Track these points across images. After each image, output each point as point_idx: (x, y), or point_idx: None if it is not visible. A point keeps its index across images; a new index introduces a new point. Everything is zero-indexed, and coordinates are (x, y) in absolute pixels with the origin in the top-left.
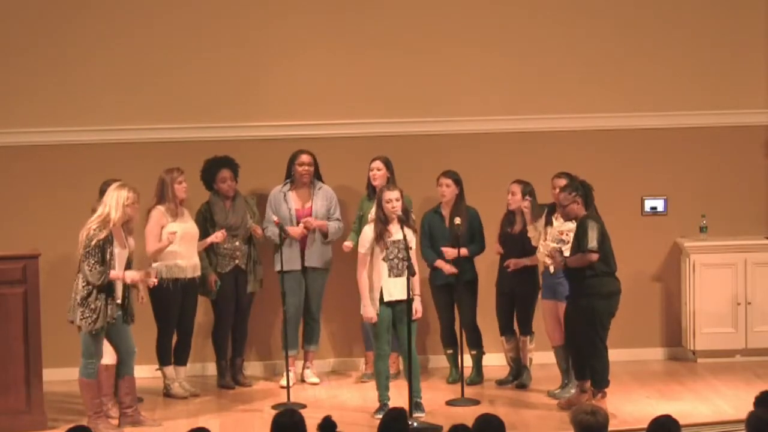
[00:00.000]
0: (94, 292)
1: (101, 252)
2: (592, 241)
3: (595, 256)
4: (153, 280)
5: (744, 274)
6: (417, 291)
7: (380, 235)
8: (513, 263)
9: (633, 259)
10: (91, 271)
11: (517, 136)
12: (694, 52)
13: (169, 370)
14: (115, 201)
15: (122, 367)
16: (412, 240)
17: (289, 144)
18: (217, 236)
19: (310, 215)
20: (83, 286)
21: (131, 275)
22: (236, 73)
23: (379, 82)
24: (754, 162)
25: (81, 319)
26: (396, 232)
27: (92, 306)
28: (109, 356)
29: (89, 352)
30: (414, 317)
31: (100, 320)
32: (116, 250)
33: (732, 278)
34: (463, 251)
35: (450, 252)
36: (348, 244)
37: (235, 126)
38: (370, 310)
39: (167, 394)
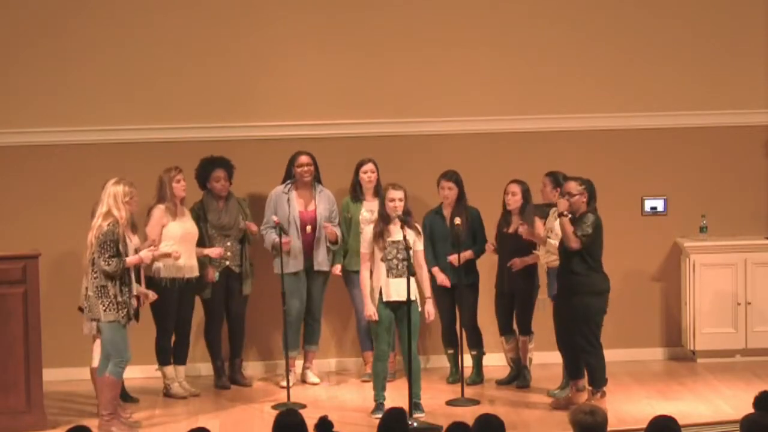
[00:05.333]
0: (117, 284)
1: (115, 245)
2: (585, 229)
3: (575, 244)
4: (174, 255)
5: (744, 274)
6: (428, 293)
7: (379, 235)
8: (519, 262)
9: (633, 259)
10: (107, 264)
11: (517, 136)
12: (693, 52)
13: (169, 369)
14: (113, 200)
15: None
16: (417, 241)
17: (286, 144)
18: (213, 251)
19: (314, 218)
20: (96, 282)
21: (146, 254)
22: (234, 74)
23: (378, 82)
24: (754, 162)
25: (107, 311)
26: (396, 232)
27: (114, 299)
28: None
29: (118, 349)
30: (427, 320)
31: (129, 313)
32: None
33: (732, 278)
34: (469, 254)
35: (455, 259)
36: (338, 266)
37: (233, 126)
38: (369, 308)
39: (167, 394)
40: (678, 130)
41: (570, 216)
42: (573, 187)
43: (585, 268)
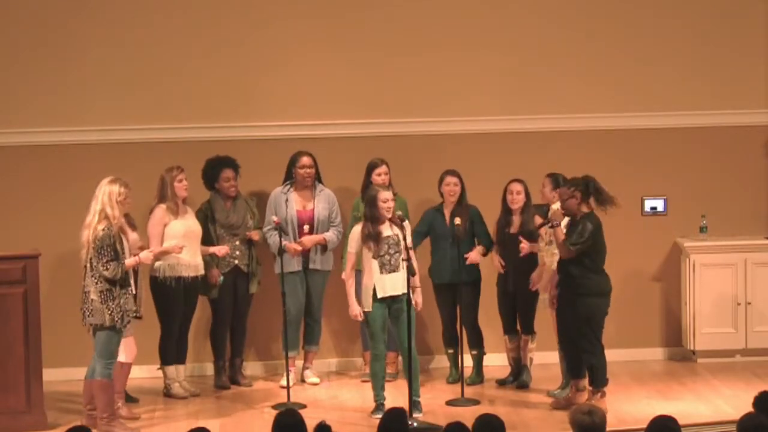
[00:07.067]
0: (117, 287)
1: (112, 249)
2: (577, 237)
3: (565, 254)
4: (175, 250)
5: (744, 274)
6: (417, 283)
7: (369, 236)
8: (527, 248)
9: (633, 259)
10: (106, 268)
11: (517, 136)
12: (693, 52)
13: (171, 370)
14: (108, 198)
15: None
16: (406, 236)
17: (288, 144)
18: (219, 250)
19: (312, 218)
20: (100, 286)
21: (146, 255)
22: (236, 73)
23: (379, 82)
24: (754, 162)
25: (109, 315)
26: (385, 229)
27: (118, 302)
28: (123, 354)
29: (109, 352)
30: (418, 309)
31: (127, 315)
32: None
33: (732, 278)
34: (481, 249)
35: (473, 257)
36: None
37: (234, 126)
38: (354, 308)
39: (167, 394)
40: (678, 130)
41: (557, 223)
42: (562, 192)
43: (581, 270)
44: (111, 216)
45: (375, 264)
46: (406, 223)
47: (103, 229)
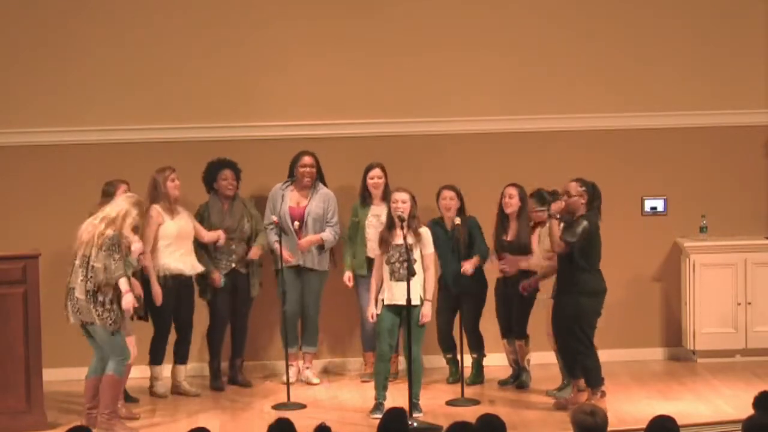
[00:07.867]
0: (104, 289)
1: (119, 251)
2: (572, 236)
3: (558, 248)
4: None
5: (744, 274)
6: (428, 296)
7: (383, 239)
8: (508, 266)
9: (633, 259)
10: (116, 265)
11: (516, 136)
12: (693, 52)
13: (156, 369)
14: (121, 218)
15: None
16: (424, 245)
17: (288, 144)
18: (219, 236)
19: (303, 214)
20: (89, 286)
21: (128, 306)
22: (236, 74)
23: (379, 82)
24: (754, 162)
25: (100, 318)
26: (398, 237)
27: (107, 306)
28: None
29: (119, 348)
30: (420, 322)
31: (121, 316)
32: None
33: (732, 278)
34: (476, 260)
35: (467, 267)
36: (348, 274)
37: (234, 126)
38: (370, 308)
39: (151, 393)
40: (678, 130)
41: (560, 218)
42: (572, 187)
43: (576, 269)
44: (118, 227)
45: (386, 269)
46: (426, 231)
47: (114, 231)
